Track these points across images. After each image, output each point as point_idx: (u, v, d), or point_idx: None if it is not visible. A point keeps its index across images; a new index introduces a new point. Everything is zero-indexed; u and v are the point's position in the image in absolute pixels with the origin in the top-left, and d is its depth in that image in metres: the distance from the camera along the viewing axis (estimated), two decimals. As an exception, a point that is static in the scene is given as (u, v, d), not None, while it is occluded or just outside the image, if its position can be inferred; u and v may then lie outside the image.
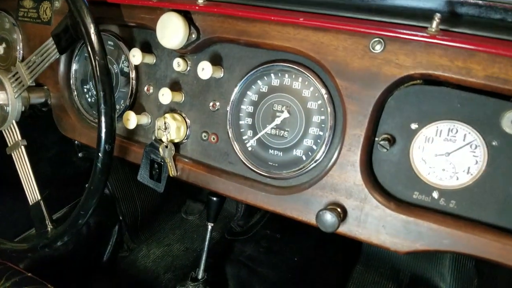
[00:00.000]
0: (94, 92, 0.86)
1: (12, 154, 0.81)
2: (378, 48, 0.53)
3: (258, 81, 0.66)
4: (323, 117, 0.61)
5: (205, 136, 0.72)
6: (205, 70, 0.65)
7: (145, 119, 0.77)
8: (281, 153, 0.66)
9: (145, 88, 0.78)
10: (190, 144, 0.74)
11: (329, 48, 0.57)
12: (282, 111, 0.64)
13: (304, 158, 0.63)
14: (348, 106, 0.56)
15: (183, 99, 0.74)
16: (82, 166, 1.55)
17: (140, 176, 0.77)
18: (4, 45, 0.97)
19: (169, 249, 1.65)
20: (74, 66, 0.86)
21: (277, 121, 0.65)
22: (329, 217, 0.54)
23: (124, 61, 0.80)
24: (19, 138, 0.80)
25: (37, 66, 0.74)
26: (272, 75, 0.65)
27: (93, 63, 0.65)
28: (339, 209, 0.56)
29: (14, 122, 0.80)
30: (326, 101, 0.60)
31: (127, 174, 1.66)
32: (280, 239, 1.38)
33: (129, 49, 0.78)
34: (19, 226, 1.42)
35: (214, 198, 0.93)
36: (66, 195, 1.52)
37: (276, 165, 0.66)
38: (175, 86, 0.74)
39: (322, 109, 0.61)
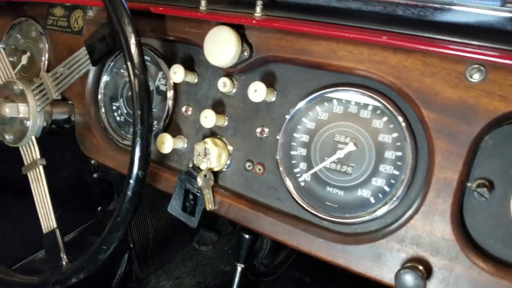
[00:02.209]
0: (124, 111, 0.78)
1: (28, 174, 0.72)
2: (477, 76, 0.45)
3: (317, 107, 0.58)
4: (399, 153, 0.52)
5: (249, 166, 0.63)
6: (258, 92, 0.57)
7: (180, 143, 0.69)
8: (342, 192, 0.56)
9: (183, 109, 0.69)
10: (230, 174, 0.65)
11: (413, 73, 0.48)
12: (346, 143, 0.55)
13: (372, 200, 0.54)
14: (437, 143, 0.47)
15: (226, 123, 0.65)
16: (96, 188, 1.47)
17: (172, 207, 0.67)
18: (28, 54, 0.90)
19: (180, 282, 1.53)
20: (104, 80, 0.79)
21: (340, 154, 0.56)
22: (412, 279, 0.44)
23: (161, 79, 0.72)
24: (38, 156, 0.72)
25: (65, 78, 0.67)
26: (334, 101, 0.56)
27: (132, 77, 0.57)
28: (421, 267, 0.46)
29: (33, 138, 0.72)
30: (405, 135, 0.50)
31: (142, 198, 1.56)
32: (310, 284, 1.26)
33: (168, 65, 0.70)
34: (18, 250, 1.32)
35: (247, 236, 0.83)
36: (77, 218, 1.43)
37: (336, 206, 0.57)
38: (217, 108, 0.66)
39: (399, 144, 0.52)
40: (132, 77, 0.57)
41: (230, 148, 0.65)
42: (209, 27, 0.62)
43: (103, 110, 0.79)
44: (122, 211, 0.60)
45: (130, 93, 0.59)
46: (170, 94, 0.70)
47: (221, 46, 0.58)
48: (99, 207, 1.49)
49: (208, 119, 0.62)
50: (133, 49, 0.57)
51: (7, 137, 0.73)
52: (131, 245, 1.62)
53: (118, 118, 0.79)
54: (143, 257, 1.51)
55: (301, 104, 0.58)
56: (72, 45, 0.81)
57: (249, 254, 0.84)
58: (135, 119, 0.57)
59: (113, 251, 0.66)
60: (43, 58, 0.85)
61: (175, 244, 1.63)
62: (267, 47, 0.58)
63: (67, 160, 1.31)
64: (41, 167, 0.72)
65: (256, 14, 0.56)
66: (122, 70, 0.77)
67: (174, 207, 0.67)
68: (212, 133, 0.67)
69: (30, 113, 0.70)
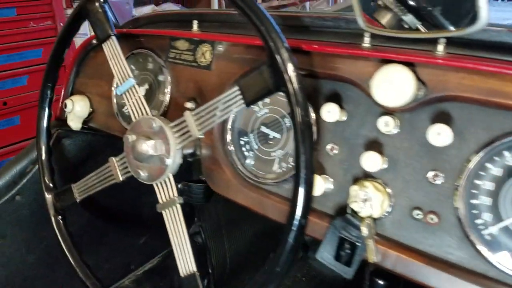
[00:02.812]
0: (255, 146, 0.75)
1: (164, 213, 0.71)
2: None
3: (505, 152, 0.52)
4: None
5: (418, 215, 0.58)
6: (442, 135, 0.52)
7: (326, 184, 0.65)
8: (541, 249, 0.50)
9: (328, 147, 0.65)
10: (391, 221, 0.60)
11: None
12: (547, 194, 0.49)
13: None
14: None
15: (384, 165, 0.60)
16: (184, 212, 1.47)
17: (321, 255, 0.63)
18: (146, 86, 0.90)
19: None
20: (232, 115, 0.76)
21: (538, 206, 0.49)
22: None
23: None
24: (176, 194, 0.70)
25: (210, 118, 0.64)
26: (528, 145, 0.51)
27: (297, 120, 0.54)
28: None
29: (170, 175, 0.70)
30: None
31: (220, 221, 1.55)
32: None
33: (310, 102, 0.67)
34: (112, 275, 1.33)
35: (382, 282, 0.76)
36: (161, 242, 1.43)
37: (532, 264, 0.50)
38: (372, 148, 0.61)
39: None
40: (298, 121, 0.54)
41: (391, 192, 0.60)
42: (369, 64, 0.58)
43: (231, 145, 0.77)
44: (281, 260, 0.56)
45: (292, 135, 0.56)
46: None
47: (395, 86, 0.53)
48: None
49: (372, 162, 0.58)
50: (298, 90, 0.54)
51: (142, 174, 0.72)
52: (210, 271, 1.60)
53: (246, 154, 0.76)
54: (220, 283, 1.48)
55: (488, 148, 0.52)
56: (199, 80, 0.79)
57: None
58: (299, 164, 0.54)
59: None
60: (165, 91, 0.85)
61: (250, 269, 1.60)
62: (444, 86, 0.53)
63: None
64: (178, 205, 0.70)
65: (438, 52, 0.52)
66: (252, 106, 0.75)
67: (325, 255, 0.63)
68: (366, 175, 0.62)
69: (170, 150, 0.68)
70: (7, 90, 2.23)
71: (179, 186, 1.18)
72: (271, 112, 0.73)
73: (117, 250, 1.26)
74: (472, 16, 0.46)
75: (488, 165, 0.53)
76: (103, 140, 1.08)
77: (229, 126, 0.77)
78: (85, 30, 2.62)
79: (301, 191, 0.54)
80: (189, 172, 1.06)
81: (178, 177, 1.01)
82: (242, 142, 0.77)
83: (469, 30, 0.48)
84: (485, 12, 0.45)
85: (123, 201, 1.23)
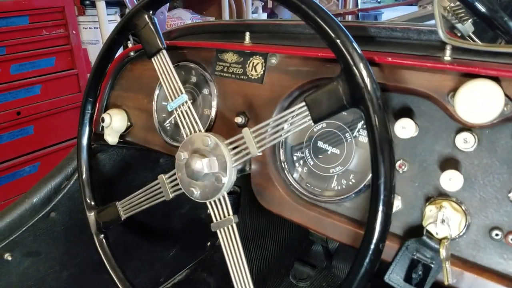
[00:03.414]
0: (311, 162, 0.72)
1: (218, 232, 0.68)
2: None
3: None
4: None
5: (497, 235, 0.55)
6: (534, 154, 0.49)
7: (395, 202, 0.62)
8: None
9: (397, 164, 0.63)
10: (467, 242, 0.57)
11: None
12: None
13: None
14: None
15: (461, 184, 0.58)
16: (207, 223, 1.44)
17: (390, 277, 0.60)
18: (190, 100, 0.87)
19: (280, 322, 1.46)
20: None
21: None
22: None
23: (361, 129, 0.67)
24: (231, 213, 0.67)
25: (273, 135, 0.62)
26: None
27: (377, 138, 0.51)
28: None
29: (225, 194, 0.68)
30: None
31: (247, 233, 1.53)
32: None
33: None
34: (154, 280, 1.31)
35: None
36: (189, 254, 1.41)
37: None
38: (447, 165, 0.58)
39: None
40: (378, 140, 0.51)
41: (466, 211, 0.57)
42: (448, 78, 0.56)
43: (284, 161, 0.74)
44: (355, 286, 0.54)
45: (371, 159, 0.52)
46: (377, 147, 0.64)
47: (482, 102, 0.51)
48: (208, 243, 1.47)
49: (454, 182, 0.55)
50: (378, 108, 0.51)
51: (195, 192, 0.69)
52: None
53: (300, 170, 0.74)
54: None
55: None
56: (249, 93, 0.77)
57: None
58: (379, 186, 0.52)
59: None
60: (212, 104, 0.82)
61: (272, 278, 1.58)
62: (533, 102, 0.51)
63: (187, 198, 1.30)
64: (234, 225, 0.67)
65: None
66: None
67: (394, 277, 0.60)
68: (440, 193, 0.59)
69: (227, 168, 0.66)
70: (20, 99, 2.21)
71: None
72: (329, 126, 0.70)
73: (147, 264, 1.24)
74: None
75: None
76: (137, 154, 1.06)
77: (282, 140, 0.74)
78: (97, 38, 2.61)
79: (380, 214, 0.52)
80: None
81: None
82: (295, 158, 0.74)
83: None
84: None
85: (152, 215, 1.20)
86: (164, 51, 0.71)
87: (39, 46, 2.23)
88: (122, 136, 0.97)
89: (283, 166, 0.74)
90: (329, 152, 0.70)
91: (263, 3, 3.78)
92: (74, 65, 2.37)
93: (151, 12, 0.72)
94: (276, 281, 1.55)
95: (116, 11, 2.59)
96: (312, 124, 0.60)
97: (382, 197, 0.52)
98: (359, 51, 0.53)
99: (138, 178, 1.02)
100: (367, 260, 0.53)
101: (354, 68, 0.52)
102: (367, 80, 0.52)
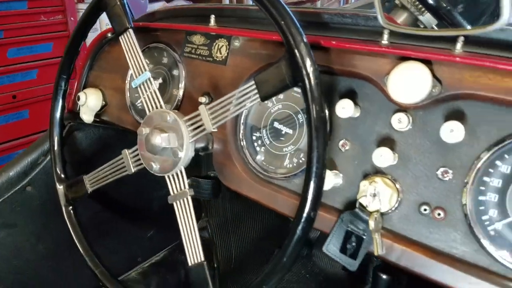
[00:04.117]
0: (267, 141, 0.76)
1: (175, 204, 0.72)
2: None
3: (516, 151, 0.53)
4: None
5: (425, 210, 0.59)
6: (454, 132, 0.53)
7: (336, 179, 0.65)
8: (547, 246, 0.51)
9: (340, 143, 0.66)
10: (399, 216, 0.61)
11: None
12: (557, 193, 0.50)
13: None
14: None
15: (395, 161, 0.61)
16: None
17: (328, 248, 0.64)
18: (160, 80, 0.91)
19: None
20: (245, 111, 0.77)
21: (547, 205, 0.50)
22: None
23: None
24: (187, 187, 0.71)
25: (225, 112, 0.65)
26: (538, 145, 0.51)
27: (312, 116, 0.55)
28: None
29: (182, 168, 0.72)
30: None
31: (227, 217, 1.57)
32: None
33: (325, 98, 0.68)
34: (119, 267, 1.34)
35: (385, 276, 0.78)
36: (167, 236, 1.45)
37: (538, 261, 0.51)
38: (384, 144, 0.62)
39: None
40: (313, 115, 0.55)
41: (399, 188, 0.61)
42: (387, 61, 0.59)
43: (243, 140, 0.78)
44: (287, 252, 0.57)
45: (306, 131, 0.56)
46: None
47: (412, 83, 0.54)
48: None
49: (384, 157, 0.59)
50: (315, 86, 0.55)
51: (154, 166, 0.73)
52: (215, 265, 1.61)
53: (258, 149, 0.77)
54: (225, 277, 1.50)
55: (498, 146, 0.53)
56: (214, 74, 0.80)
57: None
58: (312, 159, 0.55)
59: None
60: (180, 85, 0.86)
61: (254, 265, 1.61)
62: (460, 84, 0.54)
63: (164, 180, 1.34)
64: (189, 198, 0.71)
65: (456, 50, 0.53)
66: (266, 101, 0.76)
67: (331, 248, 0.64)
68: (376, 171, 0.63)
69: (184, 144, 0.69)
70: (17, 83, 2.25)
71: (188, 181, 1.20)
72: (284, 108, 0.74)
73: (125, 242, 1.28)
74: (491, 14, 0.47)
75: (498, 162, 0.54)
76: (114, 133, 1.10)
77: (242, 121, 0.78)
78: (96, 25, 2.66)
79: (312, 185, 0.55)
80: (198, 167, 1.07)
81: (187, 172, 1.03)
82: (254, 138, 0.78)
83: (490, 28, 0.49)
84: (508, 10, 0.46)
85: (131, 195, 1.24)
86: (130, 30, 0.75)
87: (37, 31, 2.27)
88: (98, 115, 1.01)
89: (242, 145, 0.78)
90: (283, 132, 0.74)
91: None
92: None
93: (120, -7, 0.76)
94: (255, 267, 1.58)
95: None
96: (260, 102, 0.63)
97: (314, 169, 0.55)
98: (301, 33, 0.56)
99: (114, 156, 1.06)
100: (299, 227, 0.56)
101: (295, 49, 0.55)
102: (306, 60, 0.55)
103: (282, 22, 0.57)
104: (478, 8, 0.53)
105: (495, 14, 0.47)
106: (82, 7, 2.55)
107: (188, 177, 1.06)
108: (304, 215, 0.56)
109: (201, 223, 1.54)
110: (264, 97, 0.62)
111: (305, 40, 0.56)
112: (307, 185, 0.56)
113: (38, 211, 1.00)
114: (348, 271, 0.80)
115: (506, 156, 0.53)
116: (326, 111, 0.67)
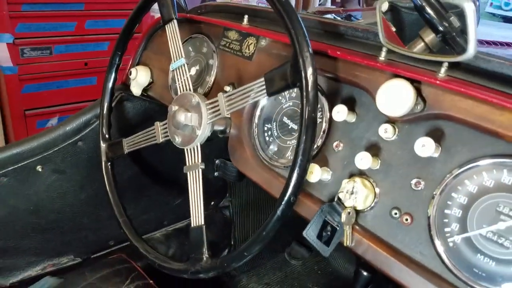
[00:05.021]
0: (275, 133, 0.85)
1: (188, 174, 0.84)
2: None
3: (484, 173, 0.57)
4: None
5: (395, 214, 0.65)
6: (425, 147, 0.59)
7: (325, 175, 0.73)
8: (494, 263, 0.55)
9: (334, 144, 0.74)
10: (373, 216, 0.68)
11: None
12: (510, 217, 0.54)
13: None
14: None
15: (378, 166, 0.68)
16: (214, 185, 1.61)
17: (307, 232, 0.72)
18: (198, 67, 1.03)
19: (268, 288, 1.59)
20: (262, 103, 0.87)
21: (500, 226, 0.55)
22: None
23: (318, 112, 0.78)
24: (199, 160, 0.83)
25: (238, 101, 0.76)
26: (505, 170, 0.56)
27: (304, 114, 0.63)
28: None
29: (198, 144, 0.83)
30: None
31: (248, 200, 1.67)
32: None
33: (328, 101, 0.76)
34: (146, 226, 1.50)
35: (365, 273, 0.84)
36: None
37: (484, 275, 0.56)
38: (371, 150, 0.69)
39: None
40: (305, 114, 0.63)
41: (377, 191, 0.68)
42: (380, 75, 0.66)
43: (255, 129, 0.88)
44: (268, 227, 0.67)
45: (297, 126, 0.64)
46: (324, 127, 0.75)
47: (396, 98, 0.61)
48: (212, 202, 1.63)
49: (364, 161, 0.66)
50: (311, 90, 0.63)
51: (177, 139, 0.85)
52: (232, 243, 1.73)
53: (267, 139, 0.87)
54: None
55: (468, 166, 0.58)
56: (241, 68, 0.91)
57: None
58: (298, 151, 0.64)
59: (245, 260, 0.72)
60: (212, 72, 0.97)
61: (268, 251, 1.70)
62: (441, 105, 0.60)
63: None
64: (200, 170, 0.82)
65: (440, 75, 0.59)
66: (280, 97, 0.85)
67: (310, 233, 0.72)
68: (360, 172, 0.70)
69: (202, 123, 0.81)
70: (90, 52, 2.50)
71: (217, 161, 1.33)
72: (294, 105, 0.83)
73: (154, 205, 1.44)
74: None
75: (467, 181, 0.59)
76: (157, 108, 1.24)
77: (258, 112, 0.87)
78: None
79: (295, 174, 0.64)
80: (227, 151, 1.18)
81: (218, 154, 1.14)
82: (265, 128, 0.87)
83: (459, 58, 0.54)
84: (473, 46, 0.51)
85: (165, 163, 1.39)
86: (175, 21, 0.87)
87: (113, 7, 2.49)
88: (145, 90, 1.16)
89: (255, 133, 0.88)
90: (289, 127, 0.83)
91: (331, -5, 3.82)
92: (140, 29, 2.63)
93: (171, -13, 0.88)
94: (270, 254, 1.68)
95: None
96: (267, 97, 0.73)
97: (299, 160, 0.64)
98: (308, 43, 0.64)
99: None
100: (280, 208, 0.65)
101: (300, 56, 0.64)
102: (307, 65, 0.63)
103: (293, 31, 0.65)
104: (457, 39, 0.58)
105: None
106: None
107: (218, 158, 1.19)
108: (285, 198, 0.65)
109: (224, 202, 1.67)
110: (270, 93, 0.71)
111: (310, 50, 0.64)
112: (291, 173, 0.64)
113: (84, 164, 1.18)
114: (358, 275, 0.88)
115: (474, 176, 0.58)
116: (328, 114, 0.75)
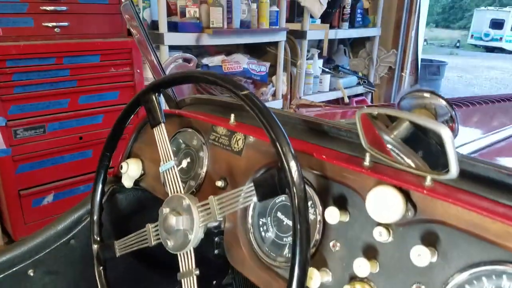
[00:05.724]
0: (270, 228, 0.84)
1: (182, 281, 0.81)
2: None
3: (484, 278, 0.56)
4: None
5: (398, 321, 0.63)
6: (421, 256, 0.57)
7: (325, 277, 0.71)
8: None
9: (331, 244, 0.72)
10: (377, 322, 0.65)
11: None
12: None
13: None
14: None
15: (377, 269, 0.66)
16: (214, 263, 1.56)
17: None
18: (189, 159, 1.04)
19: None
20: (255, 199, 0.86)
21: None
22: None
23: (310, 208, 0.77)
24: (193, 266, 0.80)
25: (229, 205, 0.75)
26: (504, 276, 0.54)
27: (298, 227, 0.63)
28: None
29: (192, 248, 0.81)
30: None
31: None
32: None
33: (320, 199, 0.75)
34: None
35: None
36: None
37: None
38: (368, 253, 0.67)
39: None
40: (298, 227, 0.62)
41: (379, 295, 0.65)
42: (370, 179, 0.66)
43: (251, 224, 0.86)
44: None
45: (292, 236, 0.63)
46: (318, 228, 0.74)
47: (385, 206, 0.60)
48: (214, 281, 1.57)
49: (362, 268, 0.64)
50: (302, 204, 0.63)
51: (169, 244, 0.83)
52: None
53: (263, 234, 0.85)
54: None
55: (468, 272, 0.57)
56: (231, 162, 0.91)
57: None
58: (295, 264, 0.63)
59: None
60: (203, 165, 0.97)
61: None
62: (432, 212, 0.59)
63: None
64: (195, 277, 0.80)
65: (426, 183, 0.59)
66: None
67: None
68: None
69: (194, 227, 0.79)
70: (84, 126, 2.53)
71: (216, 239, 1.29)
72: (287, 200, 0.82)
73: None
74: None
75: (467, 287, 0.57)
76: (151, 196, 1.23)
77: (251, 206, 0.87)
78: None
79: (295, 278, 0.62)
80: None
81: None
82: (260, 223, 0.86)
83: (442, 178, 0.54)
84: (455, 167, 0.51)
85: (159, 254, 1.35)
86: (162, 124, 0.88)
87: (107, 81, 2.56)
88: (137, 181, 1.15)
89: (249, 228, 0.86)
90: (284, 223, 0.82)
91: (319, 51, 3.94)
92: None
93: (156, 94, 0.90)
94: None
95: (179, 54, 2.90)
96: (255, 201, 0.72)
97: (295, 275, 0.62)
98: (292, 152, 0.65)
99: (148, 218, 1.19)
100: None
101: (286, 165, 0.64)
102: (294, 175, 0.64)
103: (277, 142, 0.66)
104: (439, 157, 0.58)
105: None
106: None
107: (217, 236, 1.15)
108: None
109: (227, 279, 1.61)
110: (260, 199, 0.71)
111: (295, 159, 0.64)
112: (291, 277, 0.63)
113: (78, 262, 1.15)
114: None
115: (474, 282, 0.57)
116: (321, 210, 0.74)
